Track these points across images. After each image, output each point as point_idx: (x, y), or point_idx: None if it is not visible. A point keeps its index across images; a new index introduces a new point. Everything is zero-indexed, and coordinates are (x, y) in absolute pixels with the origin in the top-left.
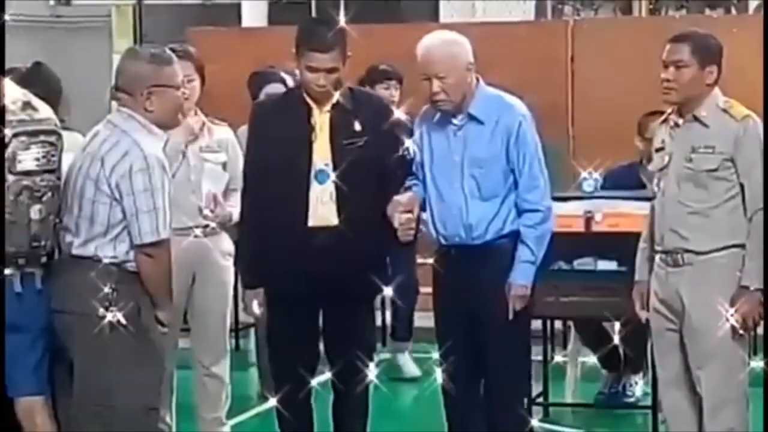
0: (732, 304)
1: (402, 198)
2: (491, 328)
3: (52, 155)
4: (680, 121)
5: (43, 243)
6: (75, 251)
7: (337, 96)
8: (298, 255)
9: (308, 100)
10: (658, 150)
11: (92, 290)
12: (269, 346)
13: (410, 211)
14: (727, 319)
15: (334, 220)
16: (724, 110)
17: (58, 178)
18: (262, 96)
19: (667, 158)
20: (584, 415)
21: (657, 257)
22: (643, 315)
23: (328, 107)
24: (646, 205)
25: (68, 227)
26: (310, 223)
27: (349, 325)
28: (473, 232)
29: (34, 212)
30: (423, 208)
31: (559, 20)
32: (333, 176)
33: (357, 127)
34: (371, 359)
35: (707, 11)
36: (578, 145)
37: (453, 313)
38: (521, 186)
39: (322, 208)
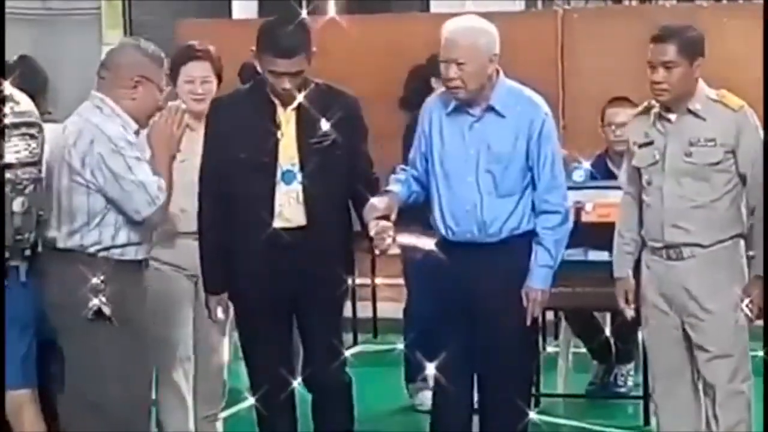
0: (747, 294)
1: (379, 202)
2: (499, 329)
3: (34, 148)
4: (671, 116)
5: (26, 236)
6: (60, 245)
7: (301, 97)
8: (264, 258)
9: (272, 97)
10: (642, 145)
11: (80, 282)
12: (243, 352)
13: (386, 217)
14: (742, 309)
15: (301, 222)
16: (718, 101)
17: (40, 171)
18: None
19: (657, 154)
20: (576, 405)
21: (651, 252)
22: (628, 311)
23: (293, 105)
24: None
25: (50, 222)
26: (276, 224)
27: (319, 327)
28: (488, 229)
29: (17, 205)
30: (406, 209)
31: (549, 9)
32: (300, 177)
33: (324, 125)
34: (344, 361)
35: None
36: (569, 135)
37: (455, 311)
38: (542, 186)
39: (289, 209)
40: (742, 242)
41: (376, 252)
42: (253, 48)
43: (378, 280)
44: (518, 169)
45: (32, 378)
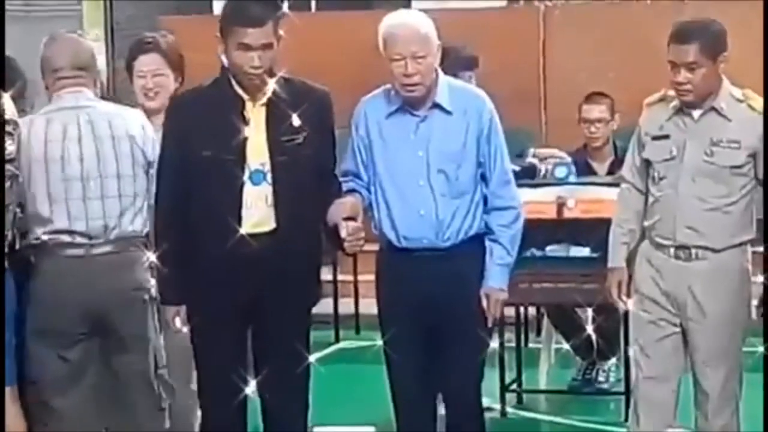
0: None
1: (345, 202)
2: (457, 335)
3: (10, 145)
4: (694, 112)
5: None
6: (130, 229)
7: (272, 86)
8: (231, 265)
9: (239, 90)
10: (657, 138)
11: (142, 264)
12: (196, 364)
13: (353, 218)
14: (757, 308)
15: (270, 226)
16: (742, 101)
17: (17, 167)
18: None
19: (675, 149)
20: (558, 401)
21: (655, 247)
22: (621, 304)
23: (263, 99)
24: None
25: (103, 212)
26: (244, 229)
27: (283, 338)
28: (445, 233)
29: None
30: (367, 212)
31: (530, 5)
32: (270, 177)
33: (296, 121)
34: (307, 377)
35: None
36: (551, 131)
37: (411, 319)
38: (494, 181)
39: (258, 212)
40: (749, 247)
41: (349, 252)
42: (218, 34)
43: (360, 277)
44: (471, 166)
45: (11, 375)
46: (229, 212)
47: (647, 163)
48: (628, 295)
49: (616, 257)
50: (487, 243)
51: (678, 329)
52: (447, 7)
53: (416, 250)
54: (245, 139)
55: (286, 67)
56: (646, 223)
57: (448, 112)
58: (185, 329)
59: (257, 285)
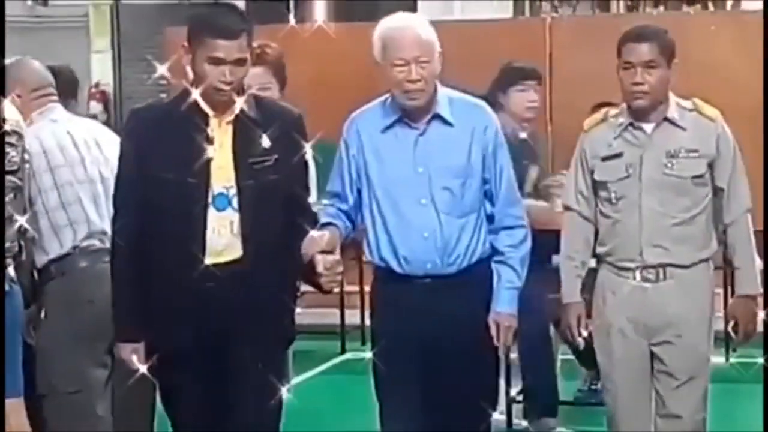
0: (732, 315)
1: (321, 236)
2: (464, 366)
3: (13, 156)
4: (646, 126)
5: (8, 245)
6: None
7: (240, 103)
8: (194, 297)
9: (204, 107)
10: (607, 158)
11: None
12: (166, 410)
13: (331, 252)
14: (729, 331)
15: (236, 255)
16: (693, 110)
17: (20, 179)
18: None
19: (630, 167)
20: (564, 412)
21: (616, 272)
22: (580, 340)
23: (229, 117)
24: None
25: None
26: (208, 259)
27: (253, 377)
28: (451, 256)
29: None
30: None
31: (536, 18)
32: (235, 202)
33: (265, 142)
34: (278, 417)
35: (684, 8)
36: (557, 143)
37: (412, 352)
38: (502, 199)
39: (221, 240)
40: (711, 263)
41: (326, 289)
42: (185, 44)
43: (366, 288)
44: (477, 183)
45: (17, 387)
46: (192, 240)
47: (599, 186)
48: (587, 327)
49: (572, 292)
50: (495, 266)
51: (648, 359)
52: (452, 19)
53: (418, 277)
54: (209, 159)
55: (292, 78)
56: (601, 250)
57: (450, 124)
58: (143, 368)
59: (223, 319)
